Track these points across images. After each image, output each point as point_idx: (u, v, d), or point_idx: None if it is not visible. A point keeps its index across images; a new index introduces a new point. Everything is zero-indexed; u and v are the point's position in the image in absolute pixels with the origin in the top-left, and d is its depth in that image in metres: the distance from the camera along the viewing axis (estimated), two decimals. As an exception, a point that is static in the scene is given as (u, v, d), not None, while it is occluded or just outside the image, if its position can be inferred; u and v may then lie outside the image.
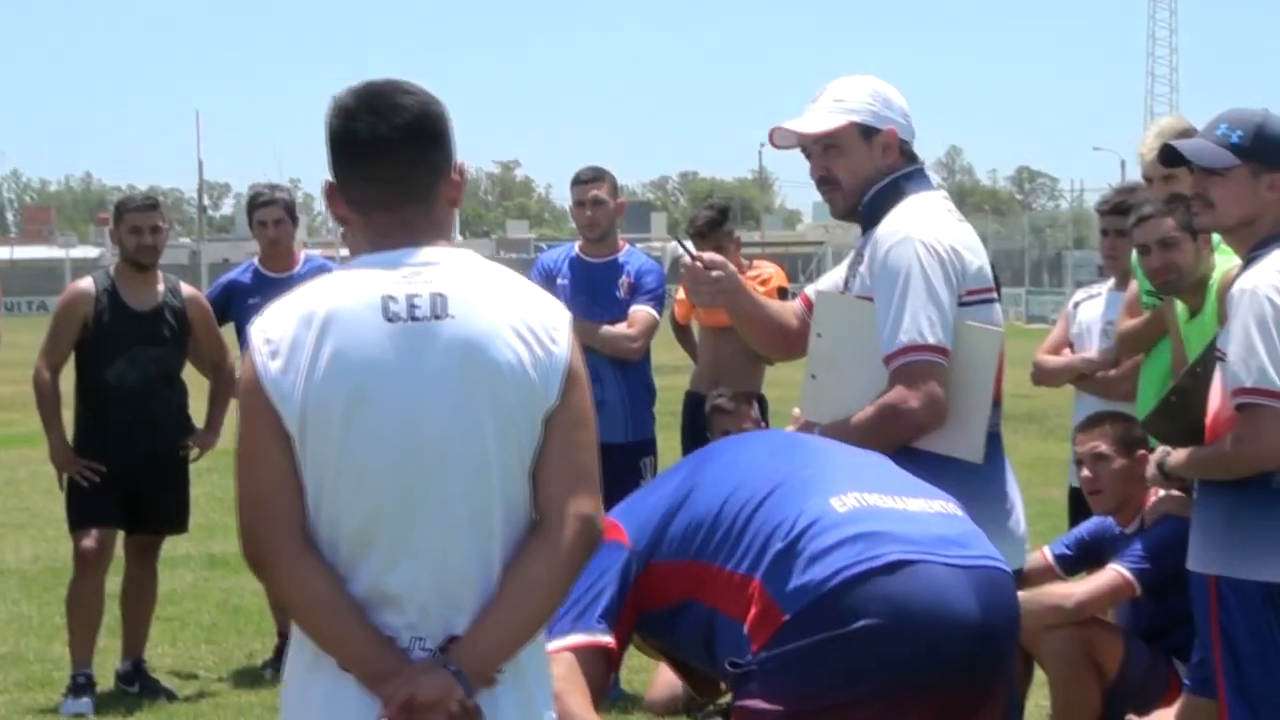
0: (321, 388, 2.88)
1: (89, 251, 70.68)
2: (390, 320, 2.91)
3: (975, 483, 4.14)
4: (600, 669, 3.58)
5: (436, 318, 2.91)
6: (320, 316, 2.91)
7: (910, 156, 4.42)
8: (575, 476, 2.97)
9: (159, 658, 7.99)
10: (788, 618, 3.28)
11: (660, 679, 7.28)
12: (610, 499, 7.96)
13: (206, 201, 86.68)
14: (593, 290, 7.65)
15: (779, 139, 4.43)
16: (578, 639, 3.55)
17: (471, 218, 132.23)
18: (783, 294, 8.18)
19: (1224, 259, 5.63)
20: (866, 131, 4.36)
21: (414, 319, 2.91)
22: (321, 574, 2.91)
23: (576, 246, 7.84)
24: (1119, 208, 6.57)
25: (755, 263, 8.49)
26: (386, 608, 2.92)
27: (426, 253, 2.99)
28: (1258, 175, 4.54)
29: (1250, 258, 4.60)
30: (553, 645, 3.54)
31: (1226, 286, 5.00)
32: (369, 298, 2.92)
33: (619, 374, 7.58)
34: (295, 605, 2.96)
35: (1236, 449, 4.47)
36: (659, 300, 7.72)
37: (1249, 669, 4.51)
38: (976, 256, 4.29)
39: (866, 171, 4.37)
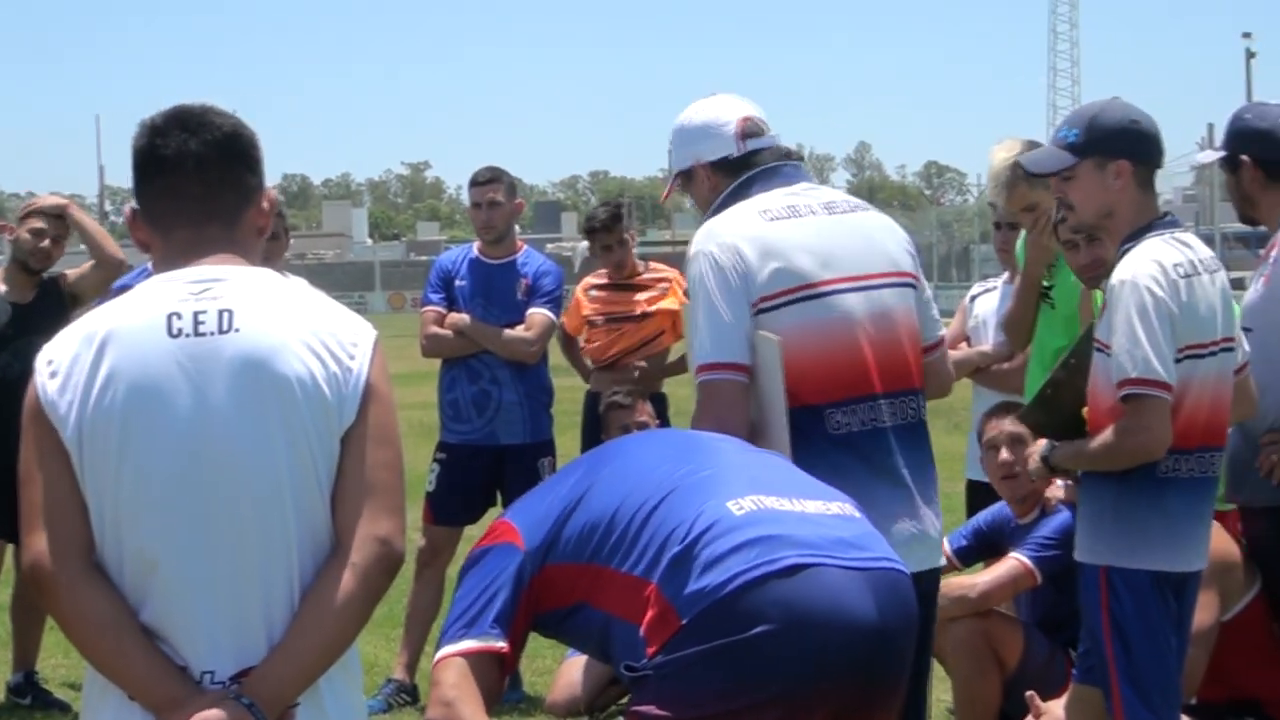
0: (98, 407, 2.80)
1: (-10, 259, 69.64)
2: (174, 336, 2.83)
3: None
4: (493, 675, 3.54)
5: (222, 333, 2.83)
6: (100, 335, 2.84)
7: (738, 166, 4.32)
8: (373, 497, 2.85)
9: (51, 669, 7.88)
10: (684, 622, 3.24)
11: (561, 680, 7.25)
12: (510, 501, 7.97)
13: (109, 207, 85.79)
14: (490, 292, 7.60)
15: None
16: (469, 645, 3.51)
17: (381, 220, 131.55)
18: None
19: None
20: (686, 176, 4.41)
21: (198, 334, 2.83)
22: (105, 597, 2.81)
23: (475, 248, 7.79)
24: (1012, 187, 6.56)
25: (653, 264, 8.44)
26: (174, 638, 2.82)
27: (219, 270, 2.91)
28: (1102, 166, 4.58)
29: (1123, 249, 4.63)
30: (444, 651, 3.52)
31: None
32: (153, 315, 2.85)
33: (516, 376, 7.53)
34: (76, 628, 2.84)
35: (1122, 440, 4.48)
36: (556, 303, 7.68)
37: (1140, 657, 4.53)
38: (774, 259, 4.12)
39: (704, 206, 4.39)
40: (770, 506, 3.36)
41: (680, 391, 8.41)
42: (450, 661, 3.48)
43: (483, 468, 7.58)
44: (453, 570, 8.32)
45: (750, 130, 4.37)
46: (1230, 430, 5.21)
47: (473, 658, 3.49)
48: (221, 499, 2.81)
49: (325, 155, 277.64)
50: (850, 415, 4.14)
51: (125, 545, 2.82)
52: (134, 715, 2.82)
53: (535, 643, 7.99)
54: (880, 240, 4.32)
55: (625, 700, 7.09)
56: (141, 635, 2.81)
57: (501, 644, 3.51)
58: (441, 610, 7.89)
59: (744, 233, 4.17)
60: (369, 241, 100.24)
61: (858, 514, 3.49)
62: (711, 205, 4.36)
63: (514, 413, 7.53)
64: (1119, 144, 4.58)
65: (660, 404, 8.12)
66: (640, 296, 8.13)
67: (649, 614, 3.30)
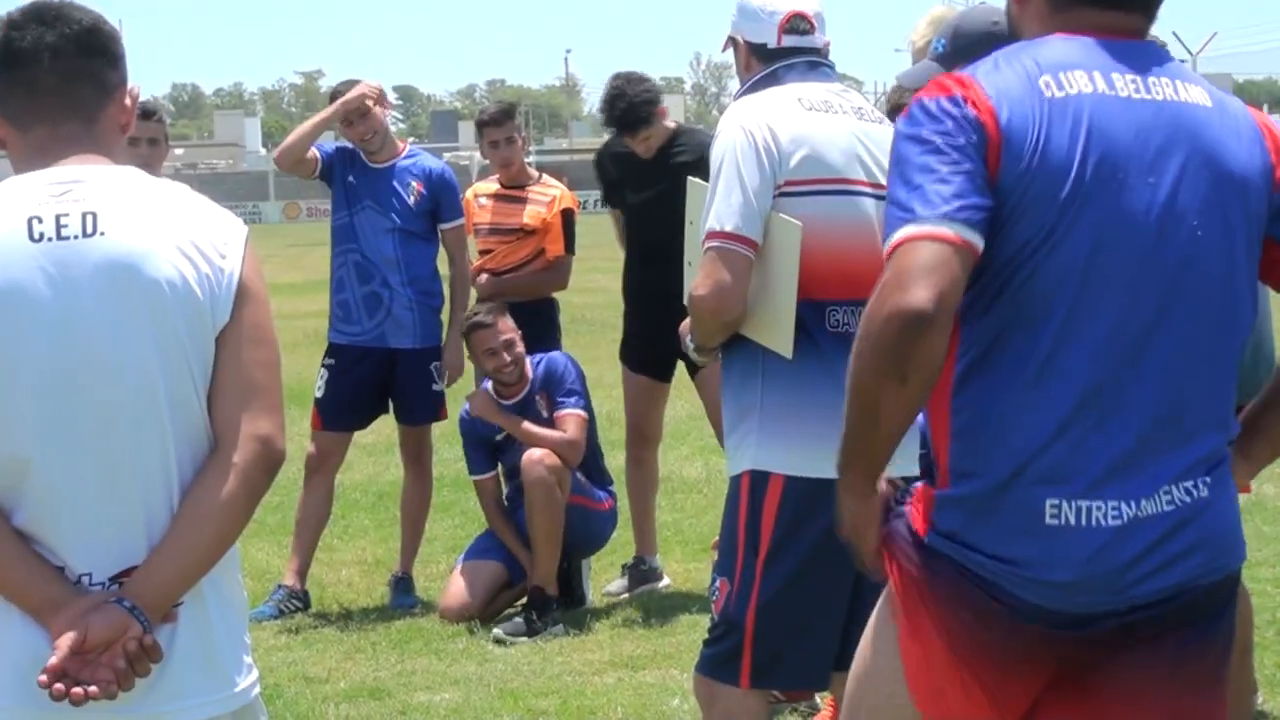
0: None
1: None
2: (35, 241, 2.77)
3: (748, 380, 4.14)
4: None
5: (87, 236, 2.78)
6: None
7: (772, 55, 4.38)
8: (250, 396, 2.83)
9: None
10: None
11: (454, 586, 7.28)
12: (401, 407, 7.97)
13: None
14: (377, 194, 7.60)
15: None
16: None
17: (275, 130, 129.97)
18: (567, 216, 8.10)
19: None
20: (734, 44, 4.49)
21: (61, 239, 2.78)
22: None
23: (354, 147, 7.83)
24: (898, 107, 6.60)
25: (545, 178, 8.35)
26: (50, 541, 2.79)
27: (80, 170, 2.86)
28: None
29: None
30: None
31: None
32: (13, 220, 2.79)
33: (407, 280, 7.48)
34: None
35: None
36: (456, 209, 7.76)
37: None
38: (807, 147, 4.18)
39: (742, 78, 4.50)
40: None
41: (576, 300, 8.43)
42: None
43: (372, 371, 7.53)
44: (342, 476, 8.32)
45: (793, 27, 4.42)
46: None
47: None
48: (92, 403, 2.77)
49: (217, 64, 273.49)
50: (850, 316, 4.07)
51: None
52: (11, 619, 2.79)
53: (429, 548, 8.04)
54: None
55: (520, 603, 7.18)
56: (16, 538, 2.78)
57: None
58: (331, 516, 7.90)
59: (779, 116, 4.21)
60: (262, 151, 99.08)
61: None
62: (744, 83, 4.47)
63: (404, 316, 7.49)
64: (983, 48, 4.58)
65: (550, 310, 8.13)
66: (526, 211, 8.09)
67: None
